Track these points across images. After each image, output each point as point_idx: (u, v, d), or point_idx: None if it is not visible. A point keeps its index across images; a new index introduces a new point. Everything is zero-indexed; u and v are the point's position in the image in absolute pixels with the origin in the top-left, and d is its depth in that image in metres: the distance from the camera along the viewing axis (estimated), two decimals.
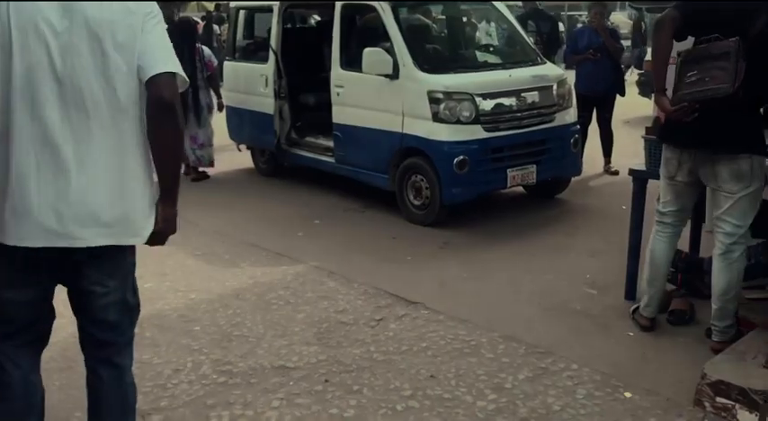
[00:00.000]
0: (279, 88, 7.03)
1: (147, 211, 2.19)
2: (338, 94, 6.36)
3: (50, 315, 2.32)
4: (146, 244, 2.21)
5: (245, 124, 7.54)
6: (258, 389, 3.24)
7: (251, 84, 7.27)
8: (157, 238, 2.24)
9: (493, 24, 8.21)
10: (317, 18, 8.75)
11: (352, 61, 6.21)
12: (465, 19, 7.81)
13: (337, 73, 6.37)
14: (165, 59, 2.12)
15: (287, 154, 7.22)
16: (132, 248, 2.27)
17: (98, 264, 2.17)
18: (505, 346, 3.63)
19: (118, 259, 2.22)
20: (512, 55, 6.78)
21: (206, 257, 5.08)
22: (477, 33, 8.77)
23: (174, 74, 2.12)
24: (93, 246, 2.09)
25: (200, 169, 7.51)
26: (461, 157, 5.48)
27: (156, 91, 2.08)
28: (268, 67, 7.05)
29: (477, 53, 7.04)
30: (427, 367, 3.42)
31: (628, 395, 3.14)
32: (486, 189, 5.88)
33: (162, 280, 4.55)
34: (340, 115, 6.38)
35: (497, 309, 4.14)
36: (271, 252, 5.16)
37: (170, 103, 2.10)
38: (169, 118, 2.11)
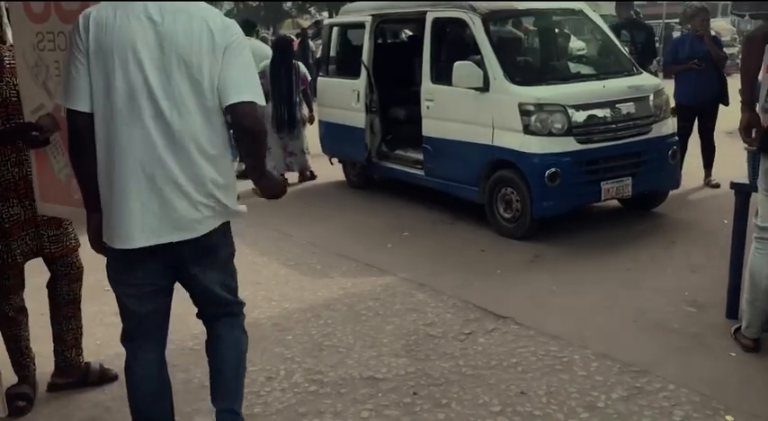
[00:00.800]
0: (370, 102, 7.15)
1: (233, 192, 2.47)
2: (428, 108, 6.40)
3: (167, 310, 2.55)
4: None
5: (337, 138, 7.70)
6: (348, 399, 3.29)
7: (343, 99, 7.41)
8: (274, 197, 2.55)
9: (586, 35, 8.05)
10: (408, 33, 8.83)
11: (442, 75, 6.23)
12: (557, 30, 7.69)
13: (427, 86, 6.41)
14: (244, 89, 2.31)
15: (377, 167, 7.31)
16: (230, 239, 2.55)
17: (201, 253, 2.42)
18: (599, 364, 3.53)
19: (218, 249, 2.48)
20: (606, 65, 6.63)
21: (298, 267, 5.21)
22: (570, 44, 8.62)
23: (254, 103, 2.33)
24: (198, 236, 2.36)
25: (301, 174, 8.02)
26: (553, 170, 5.39)
27: (236, 118, 2.30)
28: (360, 82, 7.17)
29: (570, 64, 6.91)
30: (517, 383, 3.38)
31: (729, 419, 3.00)
32: (579, 202, 5.76)
33: (256, 289, 4.70)
34: (430, 128, 6.41)
35: (590, 324, 4.04)
36: (361, 263, 5.23)
37: (250, 129, 2.33)
38: (250, 142, 2.39)
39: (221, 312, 2.61)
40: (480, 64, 5.81)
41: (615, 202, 6.31)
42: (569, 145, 5.48)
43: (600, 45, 6.94)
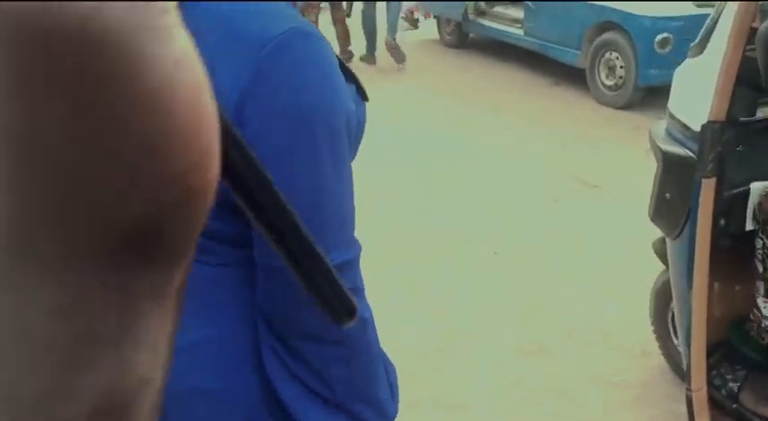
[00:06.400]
0: None
1: None
2: None
3: None
4: None
5: None
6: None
7: None
8: None
9: None
10: None
11: None
12: None
13: None
14: None
15: (474, 24, 6.98)
16: None
17: None
18: None
19: None
20: None
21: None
22: None
23: None
24: None
25: None
26: (664, 35, 5.01)
27: None
28: None
29: None
30: (598, 250, 3.32)
31: None
32: None
33: None
34: None
35: None
36: (453, 125, 5.13)
37: None
38: None
39: None
40: None
41: None
42: (686, 8, 5.05)
43: None
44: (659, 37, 5.01)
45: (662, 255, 2.28)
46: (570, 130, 5.01)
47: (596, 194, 3.95)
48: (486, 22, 6.82)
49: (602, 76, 5.51)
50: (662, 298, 2.37)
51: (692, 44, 2.19)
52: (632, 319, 2.73)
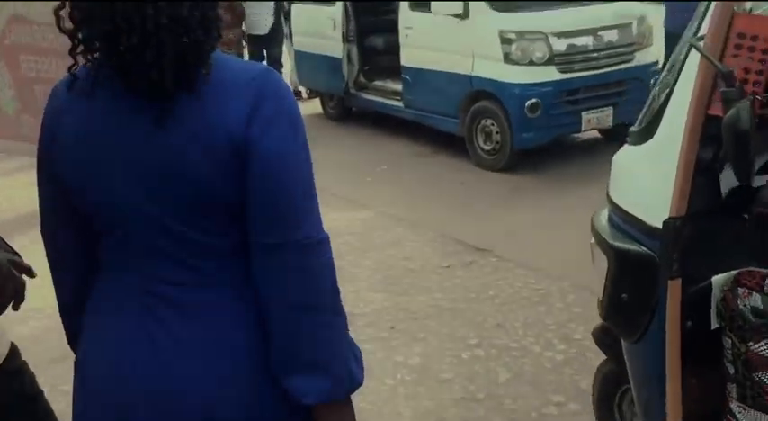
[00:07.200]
0: (347, 31, 6.93)
1: None
2: (407, 36, 6.21)
3: None
4: None
5: (313, 68, 7.49)
6: None
7: (319, 27, 7.18)
8: None
9: None
10: None
11: (421, 1, 6.03)
12: None
13: (406, 14, 6.21)
14: None
15: (355, 98, 7.15)
16: None
17: None
18: (576, 296, 3.53)
19: None
20: None
21: None
22: None
23: None
24: None
25: None
26: (534, 100, 5.29)
27: None
28: (336, 10, 6.93)
29: None
30: (494, 316, 3.37)
31: None
32: (560, 133, 5.69)
33: None
34: (408, 58, 6.24)
35: (568, 257, 4.01)
36: (339, 197, 5.15)
37: None
38: None
39: None
40: None
41: (596, 133, 6.25)
42: (550, 74, 5.37)
43: None
44: (529, 103, 5.28)
45: (604, 345, 2.14)
46: (455, 196, 5.15)
47: (485, 257, 4.04)
48: (368, 96, 7.00)
49: (480, 141, 5.72)
50: (608, 385, 2.24)
51: (631, 129, 1.97)
52: (526, 382, 2.77)
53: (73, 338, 1.30)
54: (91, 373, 1.21)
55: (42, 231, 1.26)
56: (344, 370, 1.14)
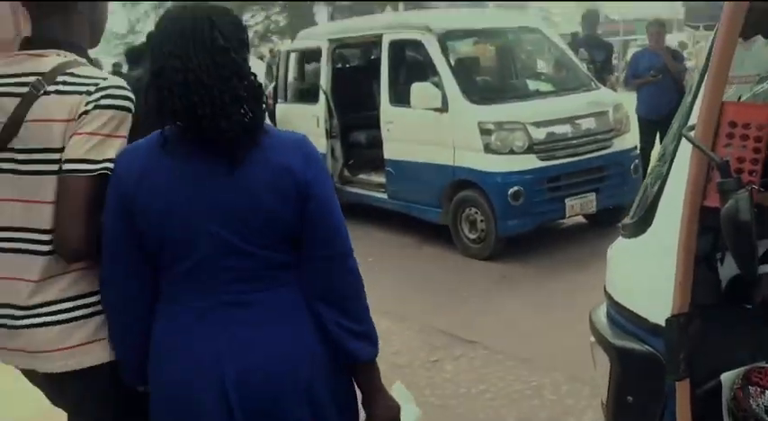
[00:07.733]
0: (330, 127, 7.04)
1: None
2: (388, 130, 6.32)
3: None
4: None
5: None
6: None
7: (303, 124, 7.29)
8: None
9: (544, 52, 8.07)
10: (366, 57, 8.78)
11: (401, 97, 6.16)
12: (514, 48, 7.69)
13: (387, 109, 6.33)
14: None
15: (340, 192, 7.18)
16: None
17: None
18: (569, 387, 3.42)
19: None
20: (564, 82, 6.62)
21: None
22: (528, 62, 8.64)
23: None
24: None
25: None
26: (516, 188, 5.32)
27: None
28: (319, 108, 7.07)
29: (529, 82, 6.89)
30: (486, 411, 3.25)
31: None
32: (544, 220, 5.70)
33: None
34: (391, 151, 6.32)
35: (560, 346, 3.93)
36: None
37: None
38: None
39: None
40: (438, 84, 5.76)
41: (581, 219, 6.27)
42: (531, 162, 5.43)
43: (558, 62, 6.94)
44: (511, 190, 5.31)
45: None
46: (441, 286, 5.08)
47: (475, 349, 3.94)
48: (353, 189, 7.04)
49: (466, 230, 5.72)
50: None
51: (623, 222, 1.90)
52: None
53: (132, 369, 1.59)
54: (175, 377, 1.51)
55: (103, 279, 1.55)
56: (377, 338, 1.62)
